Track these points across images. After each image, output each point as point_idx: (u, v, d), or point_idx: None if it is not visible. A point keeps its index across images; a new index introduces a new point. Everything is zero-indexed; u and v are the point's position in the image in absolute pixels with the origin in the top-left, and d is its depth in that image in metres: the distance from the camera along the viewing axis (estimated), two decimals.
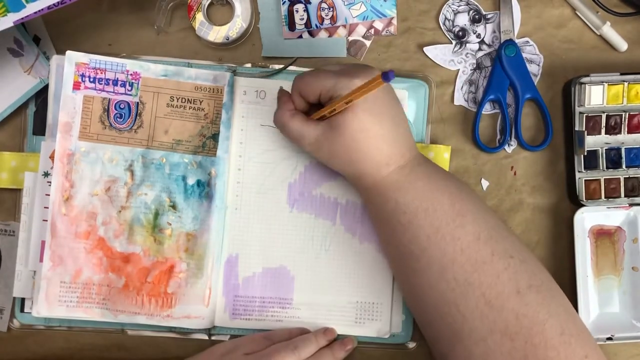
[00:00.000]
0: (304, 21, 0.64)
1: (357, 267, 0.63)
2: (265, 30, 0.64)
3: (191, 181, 0.62)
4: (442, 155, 0.64)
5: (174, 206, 0.62)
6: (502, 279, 0.52)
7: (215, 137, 0.62)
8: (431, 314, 0.54)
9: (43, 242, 0.61)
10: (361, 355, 0.64)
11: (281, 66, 0.64)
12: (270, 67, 0.64)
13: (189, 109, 0.62)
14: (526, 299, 0.51)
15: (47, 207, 0.61)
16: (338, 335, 0.63)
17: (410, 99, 0.64)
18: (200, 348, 0.62)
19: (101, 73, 0.61)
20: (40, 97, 0.63)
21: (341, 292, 0.63)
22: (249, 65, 0.64)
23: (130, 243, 0.62)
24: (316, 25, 0.64)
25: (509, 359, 0.50)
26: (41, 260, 0.61)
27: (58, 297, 0.61)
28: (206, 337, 0.63)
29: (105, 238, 0.61)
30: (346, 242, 0.63)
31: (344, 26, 0.64)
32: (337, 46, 0.64)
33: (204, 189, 0.62)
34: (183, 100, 0.62)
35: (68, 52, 0.61)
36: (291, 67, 0.64)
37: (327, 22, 0.64)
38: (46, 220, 0.61)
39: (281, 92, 0.60)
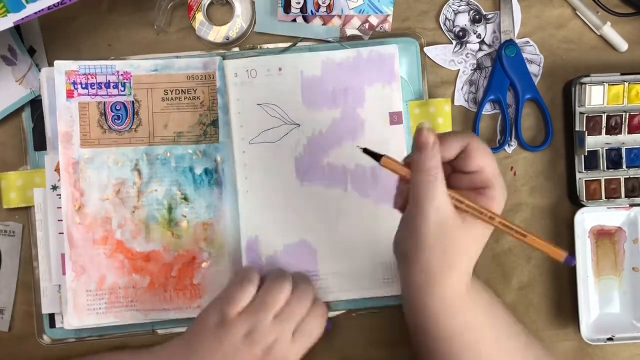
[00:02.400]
0: (300, 5, 0.64)
1: (376, 229, 0.63)
2: (261, 7, 0.64)
3: (198, 171, 0.62)
4: (443, 108, 0.64)
5: (185, 198, 0.62)
6: None
7: (214, 123, 0.62)
8: None
9: (63, 255, 0.61)
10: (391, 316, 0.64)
11: (269, 46, 0.64)
12: (259, 47, 0.64)
13: (185, 99, 0.62)
14: None
15: (61, 220, 0.61)
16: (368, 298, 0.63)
17: (402, 56, 0.64)
18: None
19: (92, 78, 0.61)
20: (36, 112, 0.63)
21: (364, 256, 0.63)
22: (237, 49, 0.64)
23: (148, 241, 0.62)
24: (312, 12, 0.64)
25: None
26: (64, 272, 0.61)
27: (86, 306, 0.61)
28: None
29: (123, 240, 0.61)
30: (361, 206, 0.63)
31: (339, 16, 0.64)
32: (329, 35, 0.64)
33: (213, 177, 0.62)
34: (177, 91, 0.62)
35: (56, 62, 0.61)
36: (275, 45, 0.64)
37: (322, 9, 0.64)
38: (62, 233, 0.61)
39: (434, 134, 0.47)
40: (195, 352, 0.56)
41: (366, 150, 0.49)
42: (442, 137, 0.48)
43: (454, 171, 0.49)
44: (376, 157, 0.49)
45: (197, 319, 0.58)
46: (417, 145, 0.47)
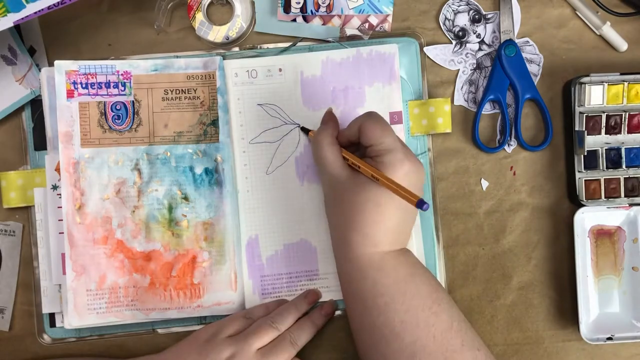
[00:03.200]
0: (300, 5, 0.64)
1: None
2: (261, 7, 0.64)
3: (199, 170, 0.62)
4: (443, 108, 0.64)
5: (186, 197, 0.62)
6: None
7: (215, 122, 0.62)
8: None
9: (63, 255, 0.61)
10: None
11: (269, 46, 0.64)
12: (259, 47, 0.64)
13: (185, 99, 0.62)
14: None
15: (61, 219, 0.61)
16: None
17: (402, 56, 0.64)
18: None
19: (92, 78, 0.61)
20: (36, 112, 0.63)
21: None
22: (237, 49, 0.64)
23: (149, 241, 0.62)
24: (312, 11, 0.64)
25: None
26: (64, 272, 0.61)
27: (87, 305, 0.61)
28: None
29: (124, 240, 0.61)
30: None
31: (339, 16, 0.64)
32: (329, 35, 0.64)
33: (213, 176, 0.62)
34: (177, 91, 0.62)
35: (56, 62, 0.61)
36: (275, 45, 0.64)
37: (322, 9, 0.64)
38: (62, 233, 0.61)
39: (330, 114, 0.61)
40: (177, 357, 0.59)
41: (303, 129, 0.63)
42: (349, 124, 0.58)
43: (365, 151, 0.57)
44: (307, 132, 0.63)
45: (192, 334, 0.61)
46: (321, 122, 0.60)
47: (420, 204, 0.49)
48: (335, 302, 0.63)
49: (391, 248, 0.56)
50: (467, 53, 0.65)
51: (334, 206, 0.58)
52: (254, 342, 0.57)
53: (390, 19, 0.65)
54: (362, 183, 0.55)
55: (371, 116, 0.57)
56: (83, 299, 0.61)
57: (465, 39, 0.65)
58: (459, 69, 0.66)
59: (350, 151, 0.58)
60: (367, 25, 0.64)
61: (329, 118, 0.60)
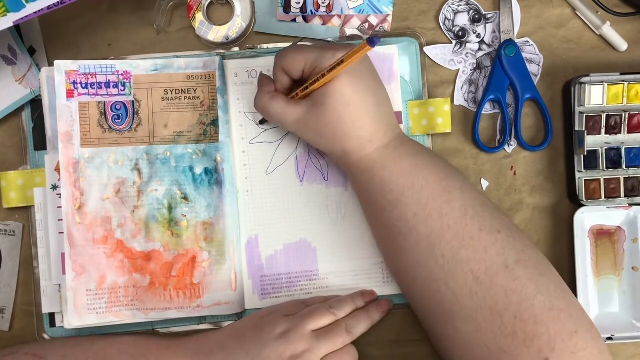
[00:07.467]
0: (300, 5, 0.64)
1: None
2: (261, 7, 0.64)
3: (199, 170, 0.62)
4: (442, 108, 0.64)
5: (185, 197, 0.62)
6: (490, 255, 0.52)
7: (215, 122, 0.63)
8: (421, 292, 0.55)
9: (63, 255, 0.61)
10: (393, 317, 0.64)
11: (269, 46, 0.64)
12: (259, 47, 0.64)
13: (185, 99, 0.62)
14: (515, 274, 0.51)
15: (61, 219, 0.61)
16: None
17: (402, 56, 0.64)
18: None
19: (92, 77, 0.61)
20: (36, 112, 0.63)
21: (364, 256, 0.64)
22: (236, 49, 0.64)
23: (148, 241, 0.62)
24: (311, 11, 0.64)
25: (498, 334, 0.50)
26: (64, 272, 0.61)
27: (86, 305, 0.61)
28: None
29: (123, 240, 0.61)
30: (361, 206, 0.63)
31: (339, 16, 0.64)
32: (329, 35, 0.64)
33: (213, 176, 0.62)
34: (177, 91, 0.62)
35: (56, 62, 0.61)
36: (275, 45, 0.64)
37: (322, 9, 0.64)
38: (62, 233, 0.61)
39: (261, 76, 0.60)
40: (235, 331, 0.60)
41: (262, 121, 0.64)
42: (273, 73, 0.58)
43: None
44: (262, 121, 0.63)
45: (252, 313, 0.62)
46: (258, 85, 0.59)
47: (371, 41, 0.47)
48: (391, 300, 0.63)
49: (387, 138, 0.55)
50: (467, 53, 0.65)
51: (317, 137, 0.56)
52: (309, 323, 0.57)
53: (390, 19, 0.65)
54: (323, 99, 0.54)
55: (281, 54, 0.56)
56: (83, 299, 0.61)
57: (465, 38, 0.65)
58: (458, 69, 0.66)
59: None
60: (367, 25, 0.64)
61: (261, 79, 0.59)
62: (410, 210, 0.53)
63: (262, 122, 0.64)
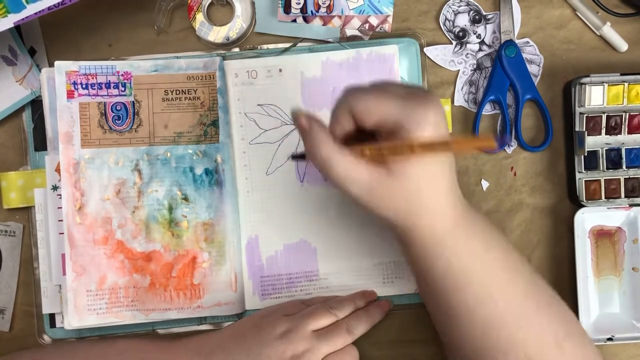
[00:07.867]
0: (300, 6, 0.64)
1: (375, 229, 0.63)
2: (261, 7, 0.64)
3: (199, 171, 0.62)
4: (443, 108, 0.63)
5: (186, 198, 0.62)
6: (544, 331, 0.50)
7: (215, 123, 0.63)
8: None
9: (63, 255, 0.61)
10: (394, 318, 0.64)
11: (269, 47, 0.64)
12: (260, 47, 0.64)
13: (185, 99, 0.62)
14: (564, 351, 0.50)
15: (61, 220, 0.61)
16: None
17: (402, 57, 0.64)
18: None
19: (92, 78, 0.62)
20: (37, 113, 0.63)
21: (364, 256, 0.64)
22: (237, 49, 0.64)
23: (149, 241, 0.62)
24: (312, 12, 0.64)
25: None
26: (64, 273, 0.61)
27: (87, 306, 0.61)
28: None
29: (124, 240, 0.62)
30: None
31: (339, 17, 0.64)
32: (329, 36, 0.64)
33: (213, 177, 0.62)
34: (177, 92, 0.62)
35: (57, 62, 0.61)
36: (275, 46, 0.64)
37: (323, 10, 0.64)
38: (62, 233, 0.61)
39: (308, 118, 0.47)
40: (235, 331, 0.60)
41: (295, 157, 0.55)
42: (333, 114, 0.47)
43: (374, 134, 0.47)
44: (303, 157, 0.50)
45: (252, 314, 0.62)
46: (301, 132, 0.47)
47: (500, 140, 0.43)
48: (391, 300, 0.63)
49: (457, 210, 0.49)
50: (467, 53, 0.65)
51: (385, 209, 0.47)
52: (310, 323, 0.57)
53: (390, 19, 0.65)
54: (403, 171, 0.45)
55: (356, 96, 0.46)
56: (83, 300, 0.61)
57: (465, 39, 0.65)
58: (459, 70, 0.66)
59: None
60: (367, 25, 0.65)
61: (310, 123, 0.47)
62: (472, 296, 0.50)
63: (296, 157, 0.57)
